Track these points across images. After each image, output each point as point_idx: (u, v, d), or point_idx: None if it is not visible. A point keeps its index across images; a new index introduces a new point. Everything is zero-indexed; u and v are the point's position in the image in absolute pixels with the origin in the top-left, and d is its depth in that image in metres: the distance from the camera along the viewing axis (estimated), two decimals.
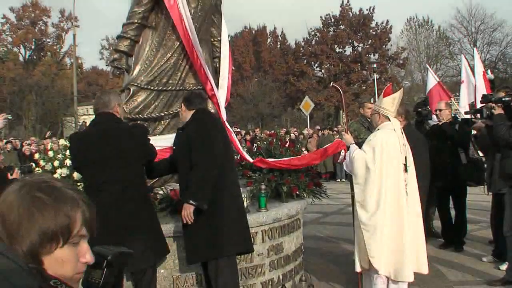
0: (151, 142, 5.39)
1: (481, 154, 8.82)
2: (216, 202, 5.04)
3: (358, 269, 6.24)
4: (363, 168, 6.06)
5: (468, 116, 8.81)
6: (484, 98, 7.54)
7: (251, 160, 7.12)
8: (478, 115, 7.85)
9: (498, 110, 6.99)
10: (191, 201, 4.85)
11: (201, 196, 4.91)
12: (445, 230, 9.49)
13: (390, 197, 5.98)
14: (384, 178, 5.98)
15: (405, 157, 6.16)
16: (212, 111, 6.82)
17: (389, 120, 6.27)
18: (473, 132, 8.83)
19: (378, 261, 5.90)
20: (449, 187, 8.58)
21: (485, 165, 8.43)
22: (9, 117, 6.94)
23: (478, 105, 8.78)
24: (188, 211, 4.85)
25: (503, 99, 7.04)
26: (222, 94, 7.16)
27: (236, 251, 5.28)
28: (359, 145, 6.46)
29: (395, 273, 5.94)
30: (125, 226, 4.85)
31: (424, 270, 6.20)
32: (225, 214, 5.09)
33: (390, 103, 6.32)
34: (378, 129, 6.33)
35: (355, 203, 6.14)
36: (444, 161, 8.69)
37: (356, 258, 6.22)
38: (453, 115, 9.88)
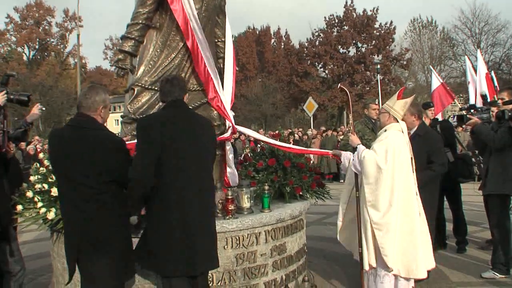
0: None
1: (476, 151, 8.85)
2: (150, 216, 4.74)
3: (366, 267, 6.27)
4: (374, 168, 6.09)
5: (463, 112, 8.80)
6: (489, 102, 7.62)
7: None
8: (473, 111, 7.88)
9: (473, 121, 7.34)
10: None
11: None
12: (438, 231, 9.47)
13: (401, 196, 6.05)
14: (396, 178, 6.03)
15: (411, 158, 6.22)
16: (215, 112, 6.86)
17: (397, 122, 6.34)
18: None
19: (392, 260, 5.98)
20: (442, 186, 8.57)
21: (473, 159, 8.46)
22: (43, 108, 6.98)
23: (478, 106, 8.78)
24: None
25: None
26: (227, 95, 7.17)
27: (172, 274, 4.62)
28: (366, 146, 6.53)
29: (408, 271, 6.04)
30: (89, 245, 4.51)
31: (429, 267, 6.32)
32: (155, 235, 4.64)
33: (402, 106, 6.40)
34: (386, 130, 6.37)
35: (366, 203, 6.15)
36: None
37: (365, 257, 6.26)
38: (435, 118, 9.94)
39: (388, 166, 6.03)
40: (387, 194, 6.03)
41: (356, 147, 6.49)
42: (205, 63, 6.58)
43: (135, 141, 4.77)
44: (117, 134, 5.77)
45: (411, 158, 6.26)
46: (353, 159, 6.46)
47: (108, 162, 4.54)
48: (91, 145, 4.53)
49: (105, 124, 4.95)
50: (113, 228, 4.62)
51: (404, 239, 6.04)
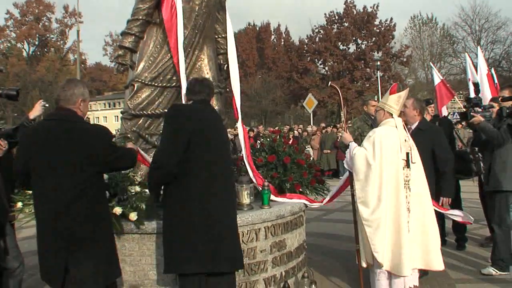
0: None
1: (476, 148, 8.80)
2: (170, 214, 4.73)
3: (364, 264, 6.29)
4: (364, 164, 6.10)
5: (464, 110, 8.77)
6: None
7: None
8: (478, 109, 7.83)
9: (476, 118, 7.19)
10: None
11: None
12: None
13: (389, 192, 6.04)
14: (384, 174, 6.03)
15: (407, 153, 6.19)
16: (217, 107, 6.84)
17: (392, 117, 6.32)
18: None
19: (382, 256, 5.98)
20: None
21: (471, 156, 8.42)
22: (46, 104, 6.97)
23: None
24: None
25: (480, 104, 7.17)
26: (236, 89, 7.18)
27: (191, 271, 4.60)
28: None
29: (395, 268, 6.03)
30: (70, 244, 4.29)
31: (436, 266, 6.28)
32: (174, 229, 4.65)
33: (395, 101, 6.38)
34: (379, 126, 6.38)
35: (356, 199, 6.17)
36: None
37: (362, 254, 6.28)
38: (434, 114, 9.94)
39: (376, 162, 6.04)
40: (375, 190, 6.04)
41: (349, 145, 6.49)
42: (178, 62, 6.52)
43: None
44: (117, 130, 5.79)
45: (407, 153, 6.23)
46: (347, 155, 6.46)
47: (99, 154, 4.40)
48: (80, 138, 4.39)
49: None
50: (99, 227, 4.47)
51: (392, 235, 6.04)
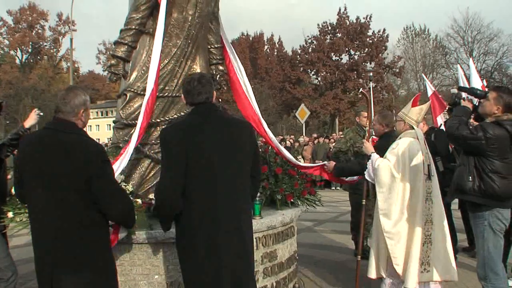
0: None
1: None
2: (177, 241, 4.47)
3: (373, 276, 6.30)
4: (388, 176, 6.10)
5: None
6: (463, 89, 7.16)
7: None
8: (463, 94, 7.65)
9: (465, 103, 6.35)
10: None
11: None
12: None
13: (412, 205, 6.06)
14: (408, 186, 6.04)
15: (428, 165, 6.20)
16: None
17: (413, 129, 6.35)
18: None
19: (401, 269, 6.02)
20: None
21: None
22: (41, 113, 6.95)
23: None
24: None
25: (477, 92, 6.37)
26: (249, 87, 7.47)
27: None
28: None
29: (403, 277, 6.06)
30: (66, 266, 4.02)
31: (455, 277, 6.24)
32: (181, 252, 4.40)
33: (417, 113, 6.41)
34: (400, 138, 6.39)
35: (379, 211, 6.17)
36: None
37: (372, 266, 6.29)
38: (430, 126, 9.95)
39: (400, 175, 6.06)
40: (399, 203, 6.06)
41: (370, 155, 6.50)
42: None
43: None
44: (109, 139, 5.69)
45: (428, 165, 6.24)
46: (369, 167, 6.45)
47: (88, 170, 4.02)
48: (71, 150, 4.07)
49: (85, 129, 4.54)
50: (94, 246, 4.14)
51: (407, 245, 6.05)
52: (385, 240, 6.07)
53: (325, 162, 7.74)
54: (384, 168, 6.13)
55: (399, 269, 6.00)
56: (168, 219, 4.42)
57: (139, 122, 5.89)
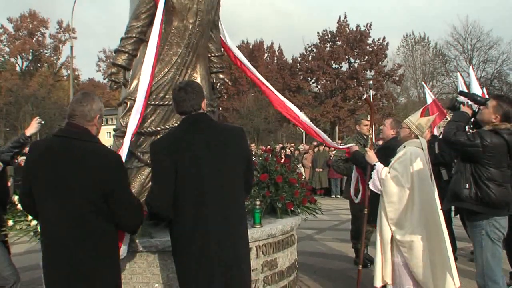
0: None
1: None
2: (172, 251, 4.42)
3: (378, 284, 6.29)
4: (397, 187, 6.10)
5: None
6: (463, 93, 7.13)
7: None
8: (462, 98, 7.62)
9: (465, 109, 6.32)
10: None
11: None
12: None
13: (425, 213, 6.07)
14: (418, 195, 6.04)
15: (431, 174, 6.22)
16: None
17: (417, 138, 6.36)
18: None
19: (420, 275, 6.01)
20: None
21: None
22: (42, 122, 6.96)
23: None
24: None
25: (478, 98, 6.35)
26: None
27: None
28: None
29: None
30: (79, 280, 3.90)
31: (458, 283, 6.28)
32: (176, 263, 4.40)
33: (425, 124, 6.42)
34: (405, 146, 6.39)
35: (388, 221, 6.16)
36: None
37: (377, 274, 6.30)
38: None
39: (409, 184, 6.06)
40: (409, 212, 6.05)
41: (374, 165, 6.49)
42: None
43: None
44: (109, 147, 5.64)
45: (431, 174, 6.25)
46: (374, 177, 6.43)
47: (108, 181, 3.92)
48: (87, 159, 3.93)
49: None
50: (106, 258, 4.04)
51: (432, 256, 6.05)
52: (391, 248, 6.09)
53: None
54: (392, 178, 6.13)
55: (418, 273, 6.01)
56: (162, 219, 4.58)
57: (131, 128, 5.87)
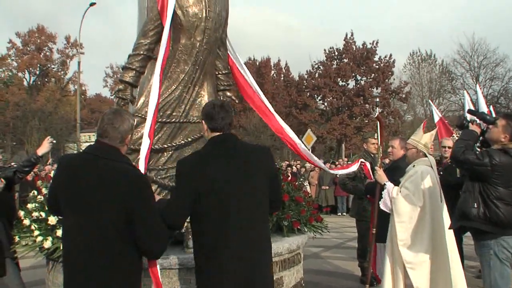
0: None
1: None
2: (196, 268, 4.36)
3: None
4: (408, 206, 6.08)
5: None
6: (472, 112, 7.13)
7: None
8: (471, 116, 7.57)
9: (474, 127, 6.26)
10: None
11: None
12: None
13: (436, 233, 6.05)
14: (430, 215, 6.02)
15: (440, 192, 6.21)
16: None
17: (426, 157, 6.35)
18: None
19: None
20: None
21: None
22: (54, 141, 6.98)
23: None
24: None
25: (487, 117, 6.27)
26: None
27: None
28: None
29: None
30: None
31: None
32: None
33: (429, 139, 6.42)
34: (414, 165, 6.37)
35: (398, 242, 6.13)
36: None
37: None
38: None
39: (421, 203, 6.03)
40: (420, 232, 6.03)
41: (384, 184, 6.47)
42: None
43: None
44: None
45: (440, 192, 6.22)
46: (385, 196, 6.40)
47: (133, 203, 3.81)
48: (116, 182, 3.84)
49: None
50: (128, 279, 3.93)
51: (445, 274, 6.02)
52: (403, 268, 6.06)
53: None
54: (404, 198, 6.10)
55: None
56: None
57: (144, 149, 5.82)
